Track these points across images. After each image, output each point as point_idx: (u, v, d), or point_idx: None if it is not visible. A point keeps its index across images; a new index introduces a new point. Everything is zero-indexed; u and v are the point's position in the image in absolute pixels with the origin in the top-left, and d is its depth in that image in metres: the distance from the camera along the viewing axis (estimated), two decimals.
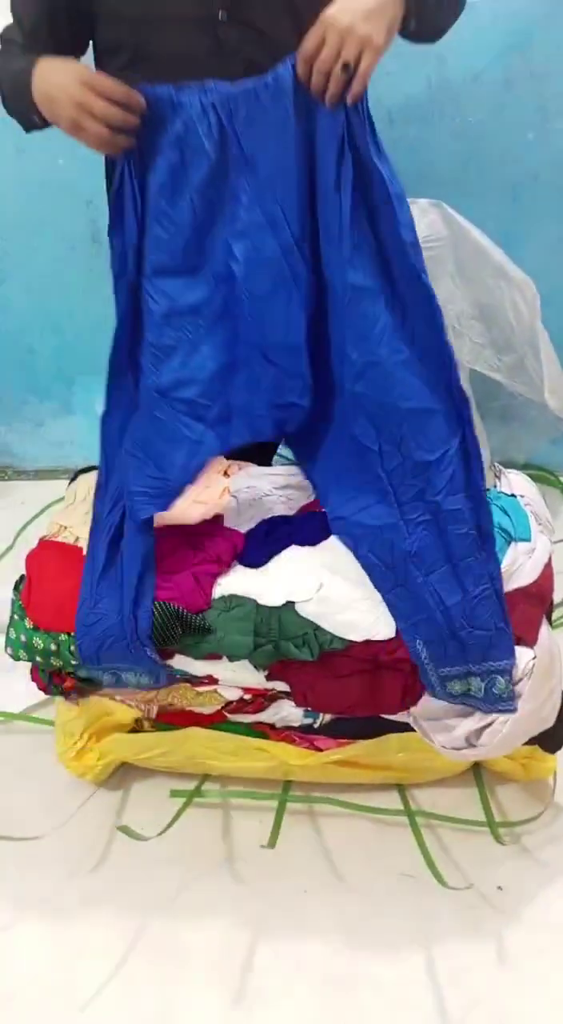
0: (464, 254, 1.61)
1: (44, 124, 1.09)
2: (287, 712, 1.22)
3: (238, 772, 1.30)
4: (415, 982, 1.08)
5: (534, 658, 1.10)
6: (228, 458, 1.46)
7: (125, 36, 1.10)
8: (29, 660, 1.22)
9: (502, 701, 1.09)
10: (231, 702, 1.21)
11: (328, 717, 1.22)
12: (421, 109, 1.73)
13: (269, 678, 1.16)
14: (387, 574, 1.09)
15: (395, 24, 0.99)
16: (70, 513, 1.34)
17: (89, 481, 1.38)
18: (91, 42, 1.18)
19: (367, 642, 1.10)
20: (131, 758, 1.33)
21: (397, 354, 1.08)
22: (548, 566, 1.18)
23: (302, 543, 1.20)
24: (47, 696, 1.37)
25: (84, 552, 1.22)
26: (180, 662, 1.17)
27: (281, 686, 1.18)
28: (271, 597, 1.13)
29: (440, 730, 1.14)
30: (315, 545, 1.19)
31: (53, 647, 1.17)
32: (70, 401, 2.28)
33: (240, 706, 1.22)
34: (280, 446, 1.57)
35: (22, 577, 1.25)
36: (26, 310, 2.14)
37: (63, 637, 1.17)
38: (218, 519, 1.28)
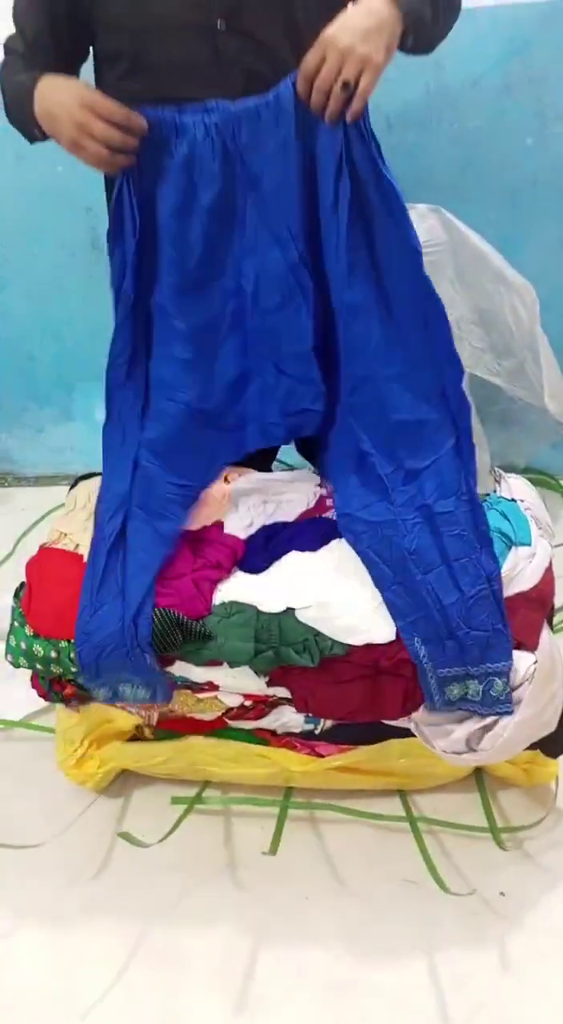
0: (463, 259, 1.62)
1: (45, 137, 1.11)
2: (288, 718, 1.22)
3: (239, 779, 1.30)
4: (417, 988, 1.08)
5: (535, 663, 1.10)
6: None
7: (125, 45, 1.11)
8: (29, 667, 1.22)
9: (499, 703, 1.09)
10: (232, 708, 1.21)
11: (329, 723, 1.22)
12: (420, 115, 1.74)
13: (270, 684, 1.16)
14: (386, 571, 1.10)
15: (394, 42, 1.01)
16: (70, 520, 1.34)
17: (89, 488, 1.38)
18: (92, 49, 1.19)
19: (368, 647, 1.10)
20: (132, 765, 1.33)
21: (389, 368, 1.14)
22: (549, 570, 1.18)
23: (302, 549, 1.20)
24: (47, 703, 1.36)
25: (84, 559, 1.22)
26: (180, 669, 1.17)
27: (282, 692, 1.18)
28: (271, 603, 1.13)
29: (441, 735, 1.14)
30: (315, 551, 1.19)
31: (53, 654, 1.17)
32: (70, 407, 2.28)
33: (241, 712, 1.22)
34: (280, 452, 1.57)
35: (22, 584, 1.25)
36: (26, 317, 2.15)
37: (63, 644, 1.16)
38: (218, 525, 1.28)
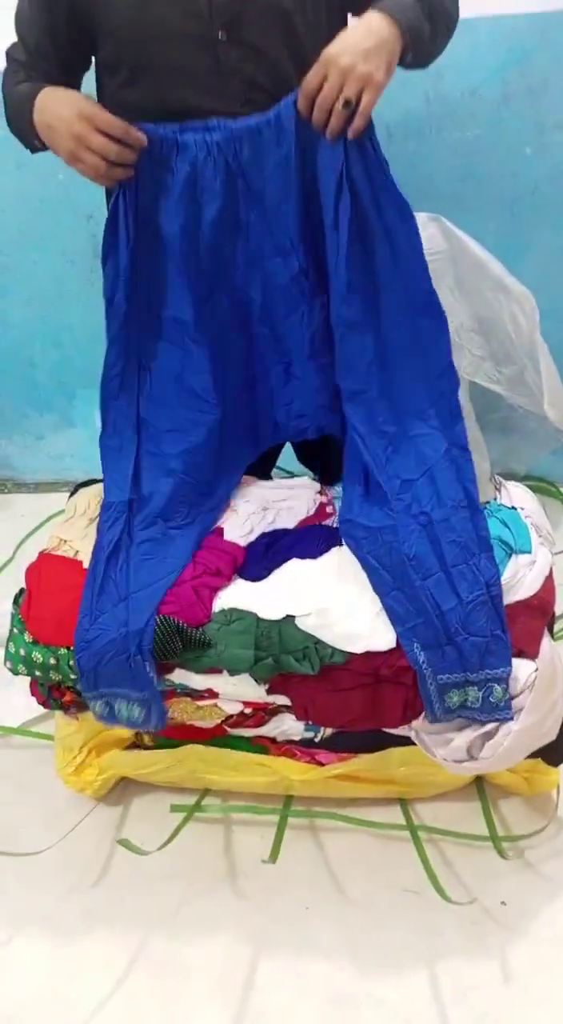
0: (463, 267, 1.62)
1: (46, 148, 1.11)
2: (288, 726, 1.21)
3: (239, 787, 1.30)
4: (419, 999, 1.07)
5: (536, 671, 1.09)
6: None
7: (125, 54, 1.11)
8: (28, 674, 1.21)
9: (499, 710, 1.09)
10: (231, 716, 1.21)
11: (329, 731, 1.21)
12: (419, 124, 1.75)
13: (270, 692, 1.16)
14: (386, 577, 1.10)
15: (394, 60, 1.02)
16: (70, 527, 1.34)
17: (89, 494, 1.38)
18: (93, 59, 1.19)
19: (368, 655, 1.09)
20: (131, 773, 1.32)
21: (383, 384, 1.18)
22: (549, 578, 1.18)
23: (302, 556, 1.20)
24: (47, 710, 1.36)
25: (84, 566, 1.22)
26: (180, 676, 1.16)
27: (282, 700, 1.18)
28: (271, 610, 1.13)
29: (441, 743, 1.14)
30: (315, 558, 1.19)
31: (52, 661, 1.17)
32: (70, 414, 2.29)
33: (240, 720, 1.22)
34: (280, 459, 1.58)
35: (21, 590, 1.24)
36: (26, 324, 2.15)
37: (62, 651, 1.16)
38: (218, 532, 1.28)
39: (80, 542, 1.29)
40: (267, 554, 1.22)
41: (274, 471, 1.59)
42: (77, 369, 2.18)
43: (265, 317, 1.24)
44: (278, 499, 1.36)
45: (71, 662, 1.15)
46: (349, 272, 1.12)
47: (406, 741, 1.18)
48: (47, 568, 1.26)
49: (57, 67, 1.16)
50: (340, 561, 1.17)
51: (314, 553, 1.21)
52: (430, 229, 1.57)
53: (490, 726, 1.10)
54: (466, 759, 1.13)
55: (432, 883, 1.14)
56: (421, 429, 1.18)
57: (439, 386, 1.19)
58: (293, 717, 1.20)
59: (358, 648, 1.09)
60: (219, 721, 1.22)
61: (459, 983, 1.09)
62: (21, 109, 1.10)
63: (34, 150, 1.16)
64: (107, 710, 1.16)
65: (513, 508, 1.25)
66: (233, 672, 1.13)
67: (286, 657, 1.10)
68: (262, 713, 1.21)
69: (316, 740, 1.22)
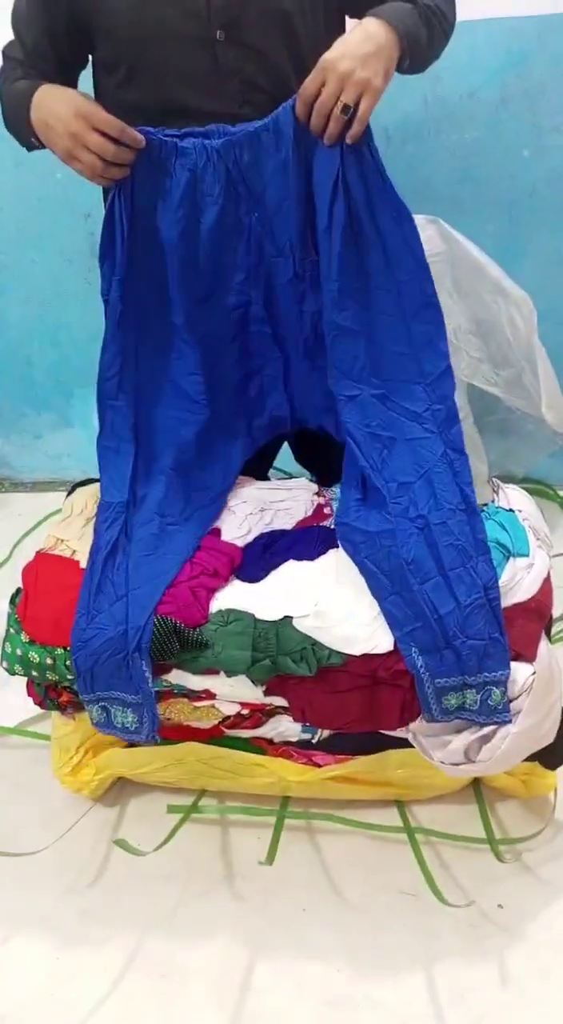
0: (461, 270, 1.62)
1: (42, 146, 1.11)
2: (285, 727, 1.21)
3: (236, 788, 1.29)
4: (416, 1001, 1.07)
5: (533, 674, 1.09)
6: None
7: (123, 53, 1.11)
8: (25, 674, 1.21)
9: (497, 713, 1.09)
10: (229, 717, 1.21)
11: (326, 733, 1.21)
12: (417, 127, 1.75)
13: (267, 693, 1.16)
14: (384, 581, 1.10)
15: (392, 66, 1.03)
16: (67, 526, 1.34)
17: (86, 494, 1.38)
18: (90, 57, 1.19)
19: (365, 657, 1.09)
20: (128, 773, 1.32)
21: (374, 389, 1.19)
22: (547, 581, 1.18)
23: (300, 557, 1.20)
24: (43, 710, 1.36)
25: (81, 565, 1.22)
26: (177, 677, 1.16)
27: (279, 701, 1.17)
28: (269, 611, 1.12)
29: (439, 746, 1.14)
30: (313, 560, 1.19)
31: (49, 661, 1.17)
32: (68, 413, 2.28)
33: (238, 721, 1.21)
34: (277, 460, 1.58)
35: (18, 590, 1.24)
36: (24, 323, 2.15)
37: (59, 651, 1.16)
38: (216, 533, 1.28)
39: (77, 542, 1.29)
40: (265, 555, 1.22)
41: (272, 472, 1.59)
42: (75, 368, 2.18)
43: (264, 316, 1.25)
44: (276, 500, 1.36)
45: (68, 662, 1.15)
46: (341, 276, 1.13)
47: (403, 743, 1.18)
48: (44, 568, 1.26)
49: (55, 66, 1.15)
50: (338, 562, 1.17)
51: (312, 554, 1.21)
52: (428, 231, 1.57)
53: (488, 729, 1.10)
54: (463, 762, 1.13)
55: (429, 886, 1.14)
56: (417, 432, 1.19)
57: (435, 389, 1.19)
58: (290, 718, 1.19)
59: (356, 650, 1.09)
60: (216, 722, 1.22)
61: (456, 985, 1.08)
62: (18, 107, 1.10)
63: (30, 148, 1.16)
64: (104, 716, 1.16)
65: (511, 511, 1.25)
66: (230, 673, 1.13)
67: (283, 658, 1.10)
68: (259, 714, 1.20)
69: (313, 742, 1.22)
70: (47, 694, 1.24)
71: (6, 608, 1.24)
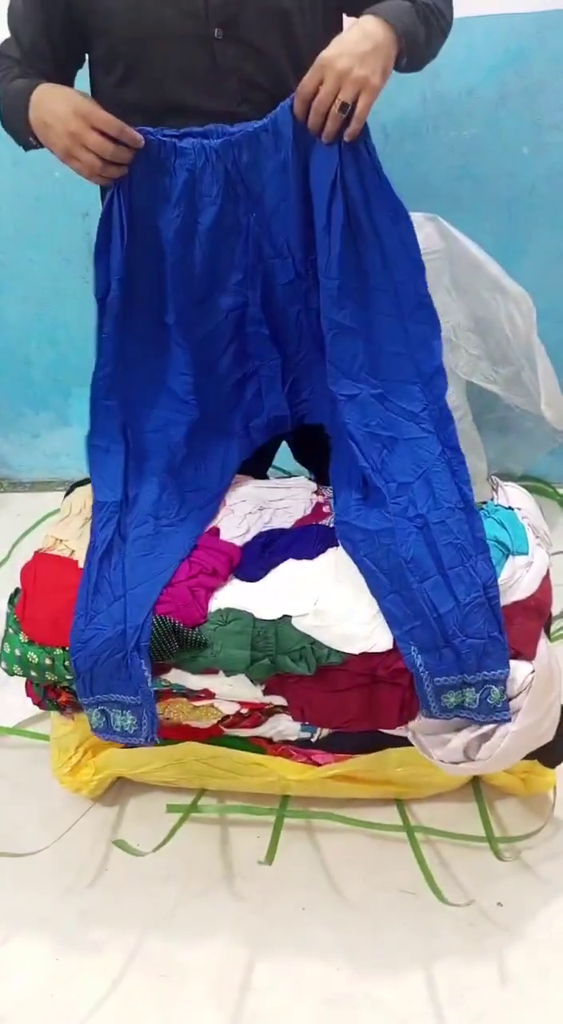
0: (460, 267, 1.62)
1: (40, 145, 1.11)
2: (284, 726, 1.21)
3: (235, 787, 1.29)
4: (416, 1000, 1.07)
5: (533, 672, 1.09)
6: None
7: (121, 52, 1.11)
8: (23, 675, 1.21)
9: (497, 712, 1.09)
10: (228, 716, 1.21)
11: (326, 731, 1.21)
12: (416, 124, 1.74)
13: (266, 692, 1.16)
14: (383, 580, 1.10)
15: (390, 64, 1.03)
16: (65, 526, 1.34)
17: (84, 494, 1.38)
18: (87, 56, 1.19)
19: (364, 656, 1.09)
20: (127, 773, 1.32)
21: (373, 388, 1.20)
22: (546, 579, 1.18)
23: (299, 556, 1.20)
24: (42, 711, 1.36)
25: (79, 565, 1.22)
26: (176, 676, 1.16)
27: (278, 700, 1.17)
28: (268, 610, 1.12)
29: (438, 744, 1.14)
30: (312, 559, 1.19)
31: (47, 661, 1.16)
32: (66, 413, 2.28)
33: (237, 720, 1.21)
34: (276, 459, 1.57)
35: (17, 590, 1.24)
36: (22, 322, 2.14)
37: (58, 651, 1.16)
38: (214, 532, 1.27)
39: (76, 541, 1.29)
40: (263, 554, 1.22)
41: (271, 471, 1.59)
42: (73, 367, 2.18)
43: (261, 318, 1.24)
44: (274, 499, 1.36)
45: (67, 662, 1.14)
46: (340, 275, 1.13)
47: (403, 742, 1.18)
48: (43, 568, 1.25)
49: (52, 65, 1.15)
50: (337, 561, 1.17)
51: (311, 553, 1.21)
52: (427, 229, 1.57)
53: (487, 727, 1.10)
54: (463, 760, 1.13)
55: (429, 884, 1.14)
56: (415, 432, 1.19)
57: (431, 389, 1.20)
58: (289, 717, 1.19)
59: (355, 649, 1.09)
60: (215, 721, 1.22)
61: (456, 984, 1.08)
62: (16, 106, 1.10)
63: (27, 147, 1.15)
64: (103, 720, 1.16)
65: (510, 509, 1.25)
66: (229, 672, 1.13)
67: (282, 657, 1.10)
68: (258, 714, 1.20)
69: (313, 740, 1.22)
70: (46, 694, 1.23)
71: (5, 608, 1.24)
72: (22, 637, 1.18)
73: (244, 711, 1.20)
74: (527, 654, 1.11)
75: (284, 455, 1.58)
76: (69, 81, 1.18)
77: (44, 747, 1.40)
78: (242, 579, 1.19)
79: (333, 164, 1.06)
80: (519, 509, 1.25)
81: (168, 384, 1.27)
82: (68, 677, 1.16)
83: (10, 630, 1.20)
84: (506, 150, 1.76)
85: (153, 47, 1.09)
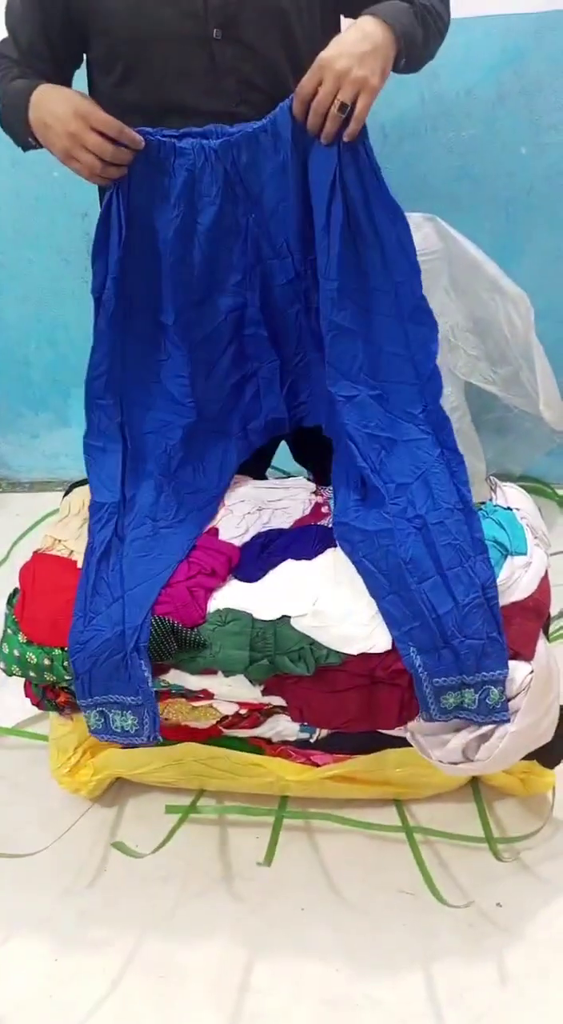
0: (458, 267, 1.62)
1: (39, 146, 1.11)
2: (283, 727, 1.21)
3: (234, 788, 1.29)
4: (415, 1001, 1.07)
5: (532, 672, 1.09)
6: None
7: (120, 52, 1.11)
8: (22, 675, 1.21)
9: (496, 712, 1.09)
10: (227, 717, 1.21)
11: (325, 732, 1.21)
12: (414, 124, 1.74)
13: (265, 693, 1.16)
14: (382, 581, 1.10)
15: (389, 65, 1.03)
16: (64, 526, 1.34)
17: (83, 494, 1.38)
18: (85, 56, 1.19)
19: (363, 656, 1.09)
20: (125, 774, 1.32)
21: (372, 390, 1.20)
22: (545, 579, 1.18)
23: (298, 557, 1.20)
24: (41, 711, 1.35)
25: (78, 566, 1.22)
26: (175, 677, 1.16)
27: (277, 701, 1.17)
28: (267, 611, 1.12)
29: (437, 745, 1.14)
30: (311, 559, 1.19)
31: (46, 662, 1.16)
32: (65, 413, 2.28)
33: (236, 721, 1.21)
34: (275, 459, 1.57)
35: (15, 590, 1.24)
36: (21, 322, 2.14)
37: (57, 652, 1.16)
38: (213, 532, 1.27)
39: (74, 542, 1.29)
40: (262, 554, 1.22)
41: (269, 471, 1.59)
42: (72, 368, 2.17)
43: (260, 319, 1.24)
44: (273, 499, 1.36)
45: (65, 663, 1.14)
46: (339, 276, 1.13)
47: (402, 742, 1.18)
48: (41, 568, 1.25)
49: (50, 65, 1.15)
50: (336, 562, 1.17)
51: (309, 553, 1.21)
52: (425, 229, 1.57)
53: (486, 728, 1.10)
54: (462, 761, 1.13)
55: (428, 885, 1.14)
56: (414, 433, 1.20)
57: (429, 391, 1.20)
58: (288, 718, 1.19)
59: (354, 650, 1.09)
60: (214, 722, 1.21)
61: (455, 985, 1.08)
62: (16, 106, 1.10)
63: (26, 148, 1.15)
64: (102, 721, 1.16)
65: (509, 509, 1.25)
66: (228, 673, 1.13)
67: (281, 658, 1.10)
68: (257, 714, 1.20)
69: (311, 741, 1.22)
70: (45, 695, 1.23)
71: (3, 608, 1.24)
72: (21, 637, 1.18)
73: (243, 712, 1.20)
74: (526, 654, 1.11)
75: (283, 455, 1.57)
76: (67, 81, 1.18)
77: (43, 747, 1.40)
78: (241, 579, 1.19)
79: (332, 164, 1.07)
80: (518, 509, 1.25)
81: (165, 386, 1.27)
82: (67, 677, 1.16)
83: (9, 630, 1.20)
84: (504, 150, 1.76)
85: (152, 47, 1.09)
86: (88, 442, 1.28)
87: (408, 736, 1.16)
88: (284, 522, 1.31)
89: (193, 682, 1.16)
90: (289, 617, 1.11)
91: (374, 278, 1.15)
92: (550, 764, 1.22)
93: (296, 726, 1.20)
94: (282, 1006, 1.08)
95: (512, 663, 1.09)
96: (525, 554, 1.16)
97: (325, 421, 1.31)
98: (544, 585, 1.17)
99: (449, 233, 1.59)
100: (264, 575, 1.18)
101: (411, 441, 1.19)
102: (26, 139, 1.12)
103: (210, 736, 1.24)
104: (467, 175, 1.79)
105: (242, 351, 1.28)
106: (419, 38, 1.07)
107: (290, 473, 1.70)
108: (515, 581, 1.13)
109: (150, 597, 1.13)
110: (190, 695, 1.18)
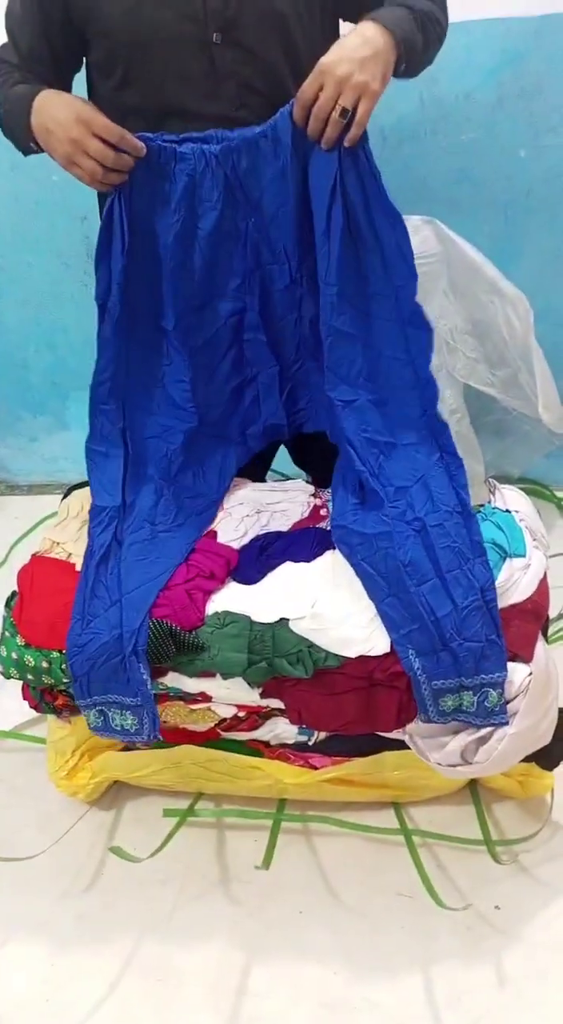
0: (457, 270, 1.62)
1: (40, 150, 1.11)
2: (282, 730, 1.21)
3: (232, 791, 1.29)
4: (414, 1003, 1.07)
5: (530, 674, 1.09)
6: None
7: (119, 56, 1.11)
8: (20, 678, 1.21)
9: (494, 715, 1.09)
10: (225, 720, 1.21)
11: (323, 735, 1.21)
12: (414, 127, 1.74)
13: (263, 696, 1.16)
14: (381, 583, 1.10)
15: (389, 70, 1.04)
16: (63, 529, 1.34)
17: (82, 497, 1.38)
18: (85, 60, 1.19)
19: (362, 659, 1.09)
20: (123, 777, 1.32)
21: (371, 394, 1.20)
22: (543, 581, 1.18)
23: (296, 559, 1.20)
24: (39, 714, 1.35)
25: (77, 568, 1.22)
26: (173, 679, 1.16)
27: (275, 704, 1.17)
28: (265, 613, 1.12)
29: (435, 747, 1.14)
30: (309, 562, 1.19)
31: (44, 665, 1.16)
32: (64, 416, 2.28)
33: (234, 724, 1.21)
34: (274, 462, 1.57)
35: (14, 593, 1.24)
36: (20, 326, 2.14)
37: (55, 655, 1.15)
38: (212, 535, 1.27)
39: (73, 544, 1.28)
40: (261, 557, 1.22)
41: (268, 474, 1.59)
42: (71, 371, 2.18)
43: (259, 324, 1.25)
44: (272, 502, 1.36)
45: (63, 666, 1.14)
46: (339, 281, 1.14)
47: (400, 745, 1.18)
48: (40, 571, 1.25)
49: (51, 69, 1.15)
50: (334, 564, 1.17)
51: (308, 556, 1.21)
52: (424, 232, 1.57)
53: (485, 730, 1.10)
54: (460, 763, 1.12)
55: (426, 888, 1.14)
56: (412, 438, 1.20)
57: (426, 394, 1.20)
58: (287, 721, 1.19)
59: (353, 652, 1.09)
60: (212, 725, 1.21)
61: (454, 987, 1.08)
62: (18, 111, 1.10)
63: (27, 152, 1.15)
64: (101, 720, 1.16)
65: (507, 511, 1.25)
66: (226, 676, 1.13)
67: (280, 660, 1.10)
68: (256, 717, 1.20)
69: (310, 744, 1.22)
70: (43, 698, 1.23)
71: (1, 611, 1.24)
72: (19, 640, 1.18)
73: (241, 714, 1.20)
74: (525, 657, 1.11)
75: (282, 458, 1.58)
76: (67, 86, 1.18)
77: (41, 751, 1.40)
78: (239, 582, 1.18)
79: (332, 169, 1.07)
80: (516, 512, 1.25)
81: (167, 391, 1.27)
82: (65, 680, 1.16)
83: (7, 633, 1.20)
84: (503, 153, 1.76)
85: (151, 50, 1.09)
86: (91, 447, 1.29)
87: (406, 739, 1.16)
88: (283, 525, 1.31)
89: (191, 685, 1.16)
90: (287, 620, 1.11)
91: (374, 283, 1.16)
92: (549, 766, 1.22)
93: (294, 729, 1.20)
94: (280, 1009, 1.08)
95: (511, 665, 1.09)
96: (524, 556, 1.16)
97: (329, 427, 1.31)
98: (543, 587, 1.17)
99: (448, 236, 1.59)
100: (262, 578, 1.18)
101: (410, 445, 1.19)
102: (27, 144, 1.12)
103: (208, 739, 1.24)
104: (466, 178, 1.80)
105: (242, 356, 1.28)
106: (419, 44, 1.07)
107: (289, 476, 1.70)
108: (514, 583, 1.13)
109: (148, 600, 1.13)
110: (188, 698, 1.18)
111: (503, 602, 1.11)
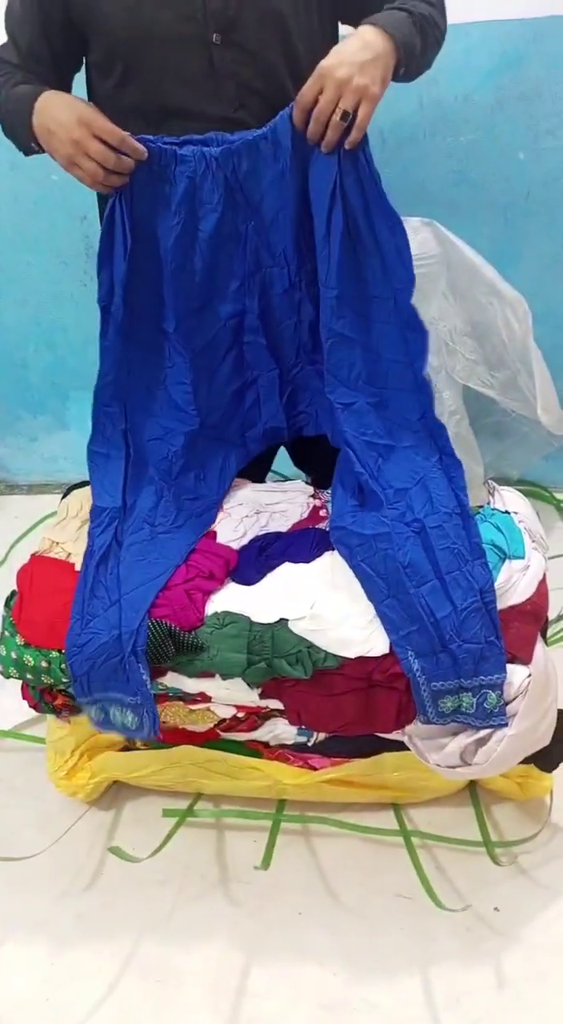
0: (456, 272, 1.63)
1: (41, 150, 1.11)
2: (281, 730, 1.21)
3: (231, 791, 1.29)
4: (412, 1005, 1.07)
5: (529, 676, 1.09)
6: None
7: (119, 56, 1.11)
8: (19, 678, 1.21)
9: (493, 716, 1.09)
10: (224, 720, 1.21)
11: (322, 735, 1.21)
12: (413, 129, 1.75)
13: (263, 696, 1.16)
14: (380, 585, 1.10)
15: (389, 74, 1.04)
16: (62, 529, 1.34)
17: (81, 496, 1.38)
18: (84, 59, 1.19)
19: (361, 660, 1.09)
20: (123, 777, 1.32)
21: (370, 397, 1.21)
22: (542, 583, 1.18)
23: (295, 560, 1.20)
24: (38, 714, 1.35)
25: (76, 568, 1.22)
26: (173, 680, 1.16)
27: (275, 704, 1.17)
28: (264, 614, 1.12)
29: (435, 749, 1.14)
30: (309, 562, 1.19)
31: (44, 664, 1.16)
32: (64, 416, 2.28)
33: (233, 724, 1.21)
34: (274, 463, 1.57)
35: (13, 593, 1.24)
36: (20, 325, 2.14)
37: (54, 654, 1.16)
38: (211, 535, 1.27)
39: (72, 544, 1.28)
40: (260, 558, 1.22)
41: (269, 475, 1.59)
42: (71, 370, 2.18)
43: (260, 325, 1.25)
44: (271, 502, 1.36)
45: (63, 665, 1.14)
46: (339, 284, 1.14)
47: (400, 746, 1.18)
48: (39, 570, 1.25)
49: (50, 68, 1.15)
50: (333, 565, 1.17)
51: (307, 557, 1.21)
52: (423, 234, 1.57)
53: (484, 732, 1.10)
54: (459, 764, 1.13)
55: (425, 889, 1.14)
56: (411, 440, 1.21)
57: (422, 397, 1.21)
58: (286, 721, 1.19)
59: (352, 653, 1.09)
60: (212, 725, 1.21)
61: (452, 989, 1.08)
62: (19, 111, 1.10)
63: (28, 153, 1.16)
64: (102, 716, 1.16)
65: (506, 512, 1.25)
66: (226, 676, 1.13)
67: (279, 661, 1.10)
68: (255, 717, 1.20)
69: (309, 744, 1.22)
70: (42, 697, 1.23)
71: (1, 611, 1.23)
72: (18, 640, 1.18)
73: (240, 715, 1.20)
74: (524, 658, 1.11)
75: (282, 459, 1.58)
76: (67, 86, 1.19)
77: (40, 750, 1.40)
78: (239, 582, 1.19)
79: (332, 172, 1.07)
80: (515, 513, 1.25)
81: (168, 392, 1.27)
82: (64, 680, 1.16)
83: (6, 633, 1.20)
84: (502, 155, 1.77)
85: (151, 49, 1.09)
86: (93, 449, 1.29)
87: (406, 740, 1.16)
88: (282, 525, 1.31)
89: (191, 685, 1.16)
90: (287, 620, 1.11)
91: (374, 286, 1.16)
92: (548, 768, 1.23)
93: (294, 729, 1.20)
94: (279, 1010, 1.08)
95: (510, 667, 1.09)
96: (523, 558, 1.16)
97: (328, 430, 1.31)
98: (542, 589, 1.17)
99: (447, 238, 1.59)
100: (262, 578, 1.18)
101: (409, 447, 1.20)
102: (29, 144, 1.12)
103: (207, 739, 1.24)
104: (465, 180, 1.80)
105: (242, 359, 1.28)
106: (418, 47, 1.07)
107: (289, 477, 1.70)
108: (513, 585, 1.13)
109: (147, 600, 1.13)
110: (188, 698, 1.18)
111: (502, 604, 1.11)
